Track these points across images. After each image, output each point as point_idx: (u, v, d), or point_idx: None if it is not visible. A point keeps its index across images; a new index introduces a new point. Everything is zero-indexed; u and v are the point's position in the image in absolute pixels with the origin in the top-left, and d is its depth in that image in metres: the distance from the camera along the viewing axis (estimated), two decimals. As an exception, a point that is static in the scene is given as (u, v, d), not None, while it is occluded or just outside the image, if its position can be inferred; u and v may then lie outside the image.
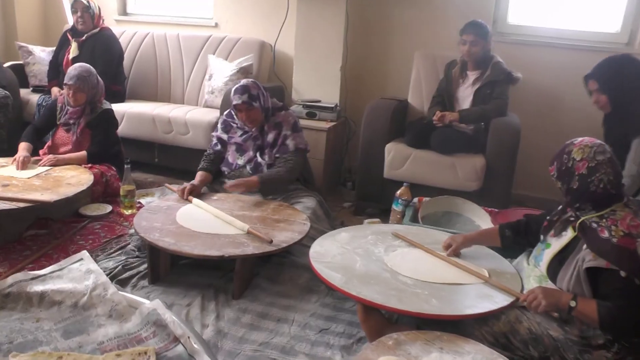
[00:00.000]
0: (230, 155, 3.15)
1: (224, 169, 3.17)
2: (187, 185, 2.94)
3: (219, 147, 3.18)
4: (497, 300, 1.85)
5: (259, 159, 3.07)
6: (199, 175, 3.07)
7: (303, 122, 3.68)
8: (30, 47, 4.81)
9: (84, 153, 3.49)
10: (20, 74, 4.68)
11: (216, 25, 4.76)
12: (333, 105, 3.89)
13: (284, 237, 2.44)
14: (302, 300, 2.40)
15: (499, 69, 3.37)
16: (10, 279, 1.00)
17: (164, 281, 2.53)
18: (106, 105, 3.66)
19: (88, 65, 3.60)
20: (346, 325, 2.24)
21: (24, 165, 3.26)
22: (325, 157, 3.70)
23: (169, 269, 2.60)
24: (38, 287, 1.00)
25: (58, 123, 3.64)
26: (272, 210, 2.78)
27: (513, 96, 3.49)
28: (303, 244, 2.57)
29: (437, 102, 3.57)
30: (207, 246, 2.33)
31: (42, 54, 4.78)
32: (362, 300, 1.85)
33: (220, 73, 4.24)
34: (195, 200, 2.83)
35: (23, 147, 3.42)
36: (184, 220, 2.61)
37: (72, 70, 3.50)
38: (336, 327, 2.23)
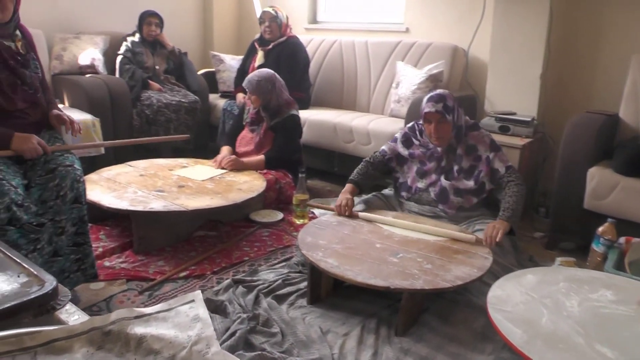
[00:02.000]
0: (410, 178, 2.82)
1: (403, 193, 2.85)
2: (342, 201, 2.67)
3: (389, 156, 2.86)
4: None
5: (443, 183, 2.70)
6: (348, 187, 2.79)
7: (494, 138, 3.30)
8: (222, 55, 5.07)
9: (262, 157, 3.51)
10: (212, 80, 4.96)
11: (407, 30, 4.52)
12: (530, 119, 3.40)
13: (461, 272, 2.10)
14: (474, 350, 2.02)
15: None
16: (113, 315, 0.90)
17: (324, 303, 2.33)
18: (294, 111, 3.67)
19: (267, 70, 3.65)
20: (525, 390, 1.85)
21: (219, 164, 3.47)
22: (517, 178, 3.27)
23: (331, 290, 2.40)
24: (139, 329, 0.88)
25: (244, 123, 3.76)
26: (451, 239, 2.44)
27: None
28: (483, 281, 2.21)
29: (658, 118, 2.95)
30: (372, 273, 2.07)
31: (232, 62, 4.99)
32: (546, 369, 1.48)
33: (408, 81, 4.00)
34: (363, 214, 2.63)
35: (225, 149, 3.65)
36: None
37: (249, 75, 3.63)
38: (512, 391, 1.85)
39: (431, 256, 2.23)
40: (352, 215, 2.64)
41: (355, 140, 3.90)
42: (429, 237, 2.44)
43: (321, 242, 2.34)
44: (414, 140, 2.82)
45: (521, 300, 1.81)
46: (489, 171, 2.64)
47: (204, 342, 0.83)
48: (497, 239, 2.31)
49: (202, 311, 0.90)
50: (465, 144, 2.70)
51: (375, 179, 2.90)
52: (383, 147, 2.89)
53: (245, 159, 3.50)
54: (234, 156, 3.47)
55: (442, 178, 2.70)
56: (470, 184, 2.66)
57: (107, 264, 2.64)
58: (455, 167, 2.69)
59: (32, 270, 1.08)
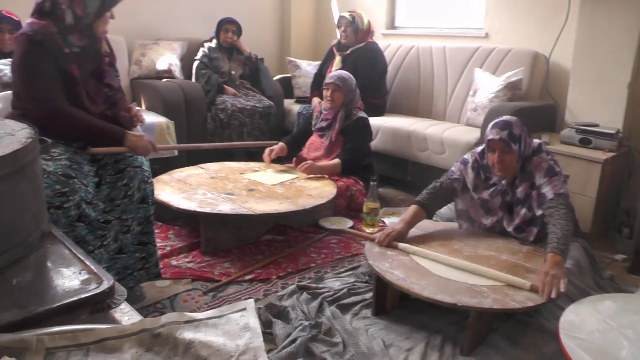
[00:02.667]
0: (474, 210, 2.57)
1: (462, 222, 2.63)
2: (387, 229, 2.42)
3: (456, 177, 2.58)
4: None
5: (505, 224, 2.46)
6: (411, 210, 2.49)
7: (573, 151, 3.16)
8: (298, 61, 5.12)
9: (337, 161, 3.49)
10: (287, 86, 5.02)
11: (486, 35, 4.38)
12: (614, 131, 3.18)
13: (532, 293, 1.96)
14: (543, 376, 1.91)
15: None
16: (164, 319, 0.89)
17: (389, 315, 2.27)
18: (362, 113, 3.66)
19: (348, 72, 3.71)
20: None
21: (268, 154, 3.60)
22: (597, 194, 3.06)
23: (397, 302, 2.33)
24: (188, 334, 0.87)
25: (313, 129, 3.75)
26: (524, 256, 2.28)
27: None
28: (556, 304, 2.08)
29: None
30: (439, 289, 1.98)
31: (308, 67, 5.03)
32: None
33: (486, 88, 3.87)
34: (403, 245, 2.35)
35: (278, 144, 3.64)
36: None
37: (333, 73, 3.70)
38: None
39: (505, 273, 2.11)
40: (391, 246, 2.36)
41: (429, 149, 3.81)
42: (500, 253, 2.30)
43: (389, 253, 2.28)
44: (481, 173, 2.55)
45: (597, 328, 1.67)
46: (537, 196, 2.37)
47: (252, 352, 0.80)
48: (562, 288, 1.95)
49: (253, 321, 0.87)
50: (525, 172, 2.44)
51: (445, 202, 2.65)
52: (452, 168, 2.65)
53: (321, 163, 3.49)
54: (310, 161, 3.46)
55: (505, 218, 2.48)
56: (524, 211, 2.41)
57: (174, 262, 2.69)
58: (515, 199, 2.46)
59: (92, 268, 1.10)
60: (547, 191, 2.30)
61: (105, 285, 1.05)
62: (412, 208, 2.51)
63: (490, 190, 2.48)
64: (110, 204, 2.12)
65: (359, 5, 5.14)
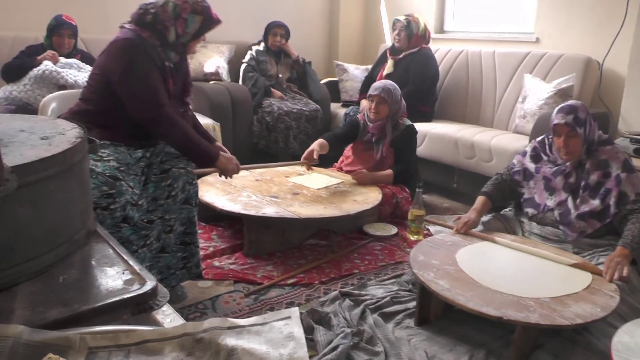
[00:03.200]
0: (538, 194, 2.60)
1: (529, 210, 2.62)
2: (464, 218, 2.55)
3: (517, 169, 2.67)
4: None
5: (569, 204, 2.47)
6: (479, 201, 2.65)
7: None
8: (346, 65, 5.10)
9: (390, 172, 3.44)
10: (334, 90, 4.99)
11: (537, 40, 4.27)
12: (674, 143, 3.08)
13: (581, 309, 1.88)
14: (593, 398, 1.83)
15: None
16: (206, 323, 0.88)
17: (433, 326, 2.22)
18: (408, 122, 3.57)
19: (394, 82, 3.57)
20: None
21: (308, 155, 3.31)
22: (653, 208, 2.96)
23: (440, 313, 2.28)
24: (230, 341, 0.85)
25: (358, 140, 3.65)
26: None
27: None
28: (606, 321, 1.98)
29: None
30: (485, 301, 1.92)
31: (356, 71, 5.00)
32: None
33: (535, 95, 3.77)
34: (476, 233, 2.49)
35: (316, 142, 3.43)
36: (465, 262, 2.23)
37: (378, 83, 3.54)
38: None
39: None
40: (468, 234, 2.50)
41: (477, 157, 3.74)
42: (550, 267, 2.22)
43: (434, 262, 2.23)
44: (542, 155, 2.62)
45: (655, 352, 1.58)
46: (617, 193, 2.36)
47: (295, 362, 0.78)
48: (624, 273, 2.03)
49: (297, 330, 0.85)
50: (595, 158, 2.46)
51: (506, 195, 2.72)
52: (513, 160, 2.74)
53: (376, 173, 3.45)
54: (364, 170, 3.41)
55: (569, 198, 2.48)
56: (595, 203, 2.39)
57: (216, 263, 2.70)
58: (582, 183, 2.46)
59: (136, 268, 1.10)
60: (629, 191, 2.36)
61: (148, 286, 1.04)
62: (480, 199, 2.66)
63: (554, 169, 2.53)
64: (153, 204, 2.13)
65: (408, 9, 5.09)
